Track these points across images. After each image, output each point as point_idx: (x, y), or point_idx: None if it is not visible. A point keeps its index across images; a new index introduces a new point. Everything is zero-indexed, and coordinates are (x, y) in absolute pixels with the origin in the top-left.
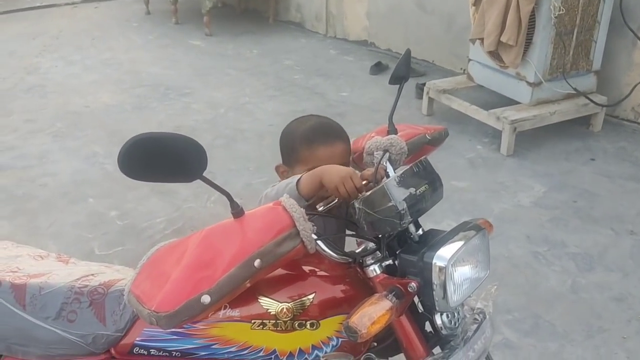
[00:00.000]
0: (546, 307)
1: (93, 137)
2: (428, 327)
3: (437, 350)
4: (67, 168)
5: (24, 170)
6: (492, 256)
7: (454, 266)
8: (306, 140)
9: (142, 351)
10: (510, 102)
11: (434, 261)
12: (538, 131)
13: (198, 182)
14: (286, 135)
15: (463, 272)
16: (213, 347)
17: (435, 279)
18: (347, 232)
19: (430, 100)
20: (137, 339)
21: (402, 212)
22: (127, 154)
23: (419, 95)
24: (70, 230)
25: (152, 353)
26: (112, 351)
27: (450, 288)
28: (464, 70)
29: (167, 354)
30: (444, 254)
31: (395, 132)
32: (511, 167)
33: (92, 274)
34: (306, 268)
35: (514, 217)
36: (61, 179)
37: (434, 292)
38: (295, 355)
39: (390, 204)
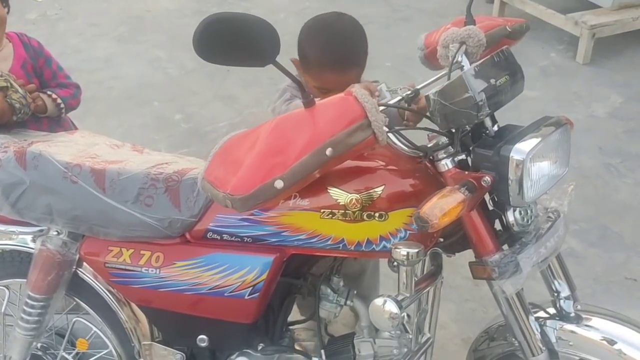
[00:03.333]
0: (615, 219)
1: (155, 42)
2: (497, 226)
3: (506, 248)
4: (132, 72)
5: (92, 73)
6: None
7: (532, 161)
8: (318, 62)
9: (215, 236)
10: (589, 6)
11: (511, 154)
12: (618, 38)
13: (259, 88)
14: (303, 38)
15: (541, 168)
16: (283, 234)
17: (512, 174)
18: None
19: (503, 4)
20: (211, 224)
21: (479, 103)
22: (202, 33)
23: None
24: (137, 131)
25: (224, 238)
26: (187, 235)
27: (526, 183)
28: None
29: (239, 239)
30: (523, 147)
31: (473, 23)
32: (587, 76)
33: (166, 163)
34: (376, 161)
35: (586, 127)
36: (127, 82)
37: (509, 187)
38: (363, 245)
39: (468, 94)
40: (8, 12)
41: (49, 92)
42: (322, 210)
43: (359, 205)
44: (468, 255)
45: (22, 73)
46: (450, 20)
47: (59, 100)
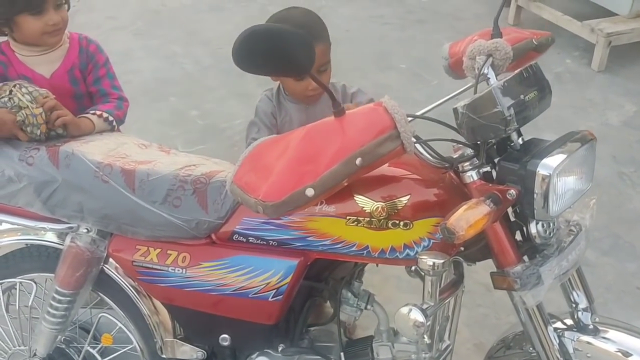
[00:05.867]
0: (627, 228)
1: (172, 37)
2: (517, 236)
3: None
4: (148, 66)
5: None
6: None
7: (559, 176)
8: None
9: (241, 238)
10: (606, 13)
11: (538, 169)
12: (635, 46)
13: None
14: None
15: (567, 183)
16: (308, 239)
17: (538, 188)
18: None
19: (519, 8)
20: (237, 227)
21: (508, 118)
22: (241, 45)
23: (507, 3)
24: (154, 127)
25: (250, 241)
26: (213, 237)
27: (552, 198)
28: None
29: (264, 242)
30: (550, 162)
31: (500, 35)
32: (601, 83)
33: (194, 165)
34: (402, 170)
35: (600, 136)
36: (143, 76)
37: (534, 201)
38: (387, 253)
39: (496, 109)
40: (68, 9)
41: (91, 112)
42: (347, 217)
43: (384, 214)
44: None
45: (66, 78)
46: (465, 23)
47: (105, 115)
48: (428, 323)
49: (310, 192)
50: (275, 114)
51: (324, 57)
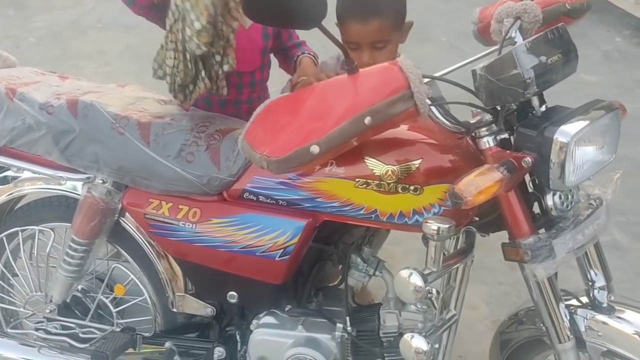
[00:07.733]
0: None
1: None
2: (535, 209)
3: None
4: None
5: (150, 31)
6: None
7: (577, 144)
8: (343, 12)
9: (251, 197)
10: None
11: (555, 136)
12: None
13: None
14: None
15: (586, 152)
16: (317, 200)
17: (554, 156)
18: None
19: None
20: (248, 185)
21: (527, 81)
22: None
23: None
24: None
25: (260, 199)
26: (225, 194)
27: (569, 167)
28: None
29: (274, 202)
30: (568, 129)
31: None
32: None
33: (210, 121)
34: (415, 134)
35: None
36: None
37: (550, 170)
38: (396, 217)
39: (516, 71)
40: None
41: (306, 53)
42: (357, 180)
43: (394, 177)
44: (504, 237)
45: (260, 32)
46: None
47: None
48: (427, 288)
49: (315, 149)
50: None
51: (379, 34)
